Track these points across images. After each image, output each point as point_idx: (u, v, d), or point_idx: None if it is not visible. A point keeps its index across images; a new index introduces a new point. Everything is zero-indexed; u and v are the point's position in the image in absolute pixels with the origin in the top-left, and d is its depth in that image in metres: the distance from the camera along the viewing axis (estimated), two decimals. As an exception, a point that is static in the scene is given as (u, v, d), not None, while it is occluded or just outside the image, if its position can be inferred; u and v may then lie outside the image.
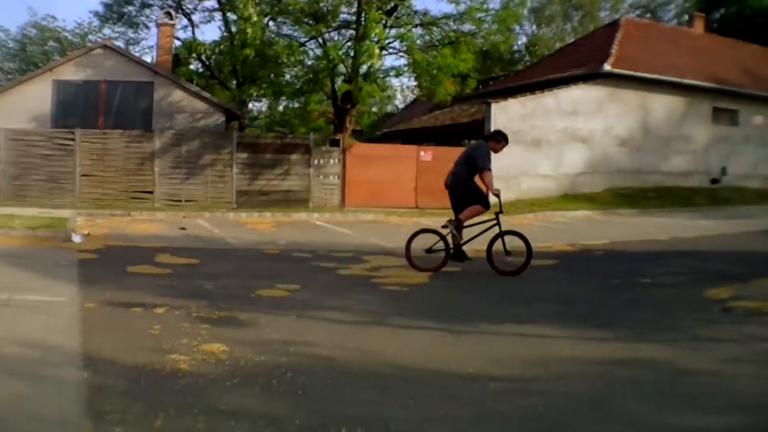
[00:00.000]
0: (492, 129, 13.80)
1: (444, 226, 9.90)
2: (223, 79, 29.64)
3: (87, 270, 9.21)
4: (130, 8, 30.66)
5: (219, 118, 23.87)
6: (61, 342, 5.42)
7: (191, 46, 25.67)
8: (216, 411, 4.18)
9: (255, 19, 20.05)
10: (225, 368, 4.98)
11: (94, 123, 22.70)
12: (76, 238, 12.16)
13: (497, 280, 9.24)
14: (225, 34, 26.10)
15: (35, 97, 23.25)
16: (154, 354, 5.20)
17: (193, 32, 30.46)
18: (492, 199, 9.79)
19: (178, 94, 23.86)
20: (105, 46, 24.41)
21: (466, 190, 9.85)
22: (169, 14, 26.23)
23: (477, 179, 9.98)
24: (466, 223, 9.83)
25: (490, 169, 9.72)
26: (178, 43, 27.62)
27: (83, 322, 6.13)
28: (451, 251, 9.84)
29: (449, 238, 9.80)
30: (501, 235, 9.84)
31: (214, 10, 28.19)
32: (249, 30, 20.07)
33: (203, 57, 27.24)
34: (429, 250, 9.88)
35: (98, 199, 21.02)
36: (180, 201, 21.51)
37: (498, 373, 5.14)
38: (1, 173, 20.65)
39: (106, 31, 33.02)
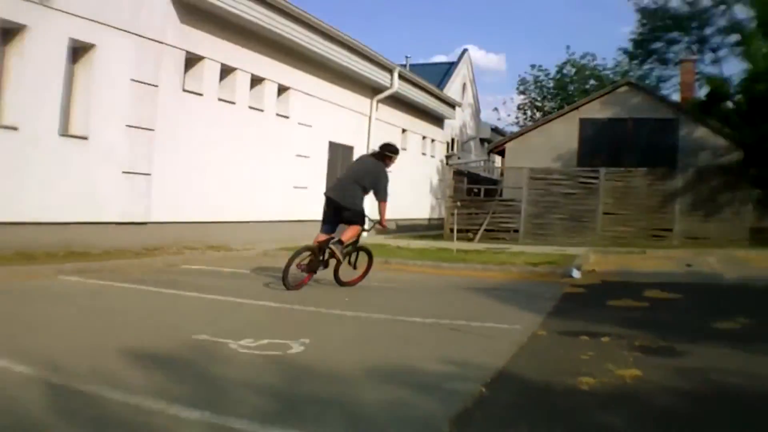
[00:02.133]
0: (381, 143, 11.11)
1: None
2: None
3: (565, 303, 9.43)
4: (658, 44, 30.60)
5: (738, 155, 22.88)
6: (483, 362, 5.55)
7: (716, 84, 24.95)
8: (579, 427, 4.11)
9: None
10: (620, 391, 4.85)
11: (617, 161, 23.04)
12: (575, 274, 12.40)
13: None
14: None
15: (561, 136, 24.70)
16: (566, 375, 5.17)
17: (720, 67, 29.50)
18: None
19: (701, 131, 23.43)
20: (629, 84, 25.21)
21: (356, 213, 9.83)
22: (690, 50, 26.24)
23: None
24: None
25: (386, 201, 9.99)
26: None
27: (521, 347, 6.26)
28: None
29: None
30: (356, 250, 10.32)
31: (736, 44, 27.21)
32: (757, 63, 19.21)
33: (726, 92, 26.47)
34: None
35: (617, 237, 21.39)
36: (697, 238, 20.99)
37: None
38: (523, 212, 21.81)
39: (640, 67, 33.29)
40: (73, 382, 4.51)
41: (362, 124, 23.91)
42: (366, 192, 9.96)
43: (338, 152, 22.16)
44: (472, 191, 28.94)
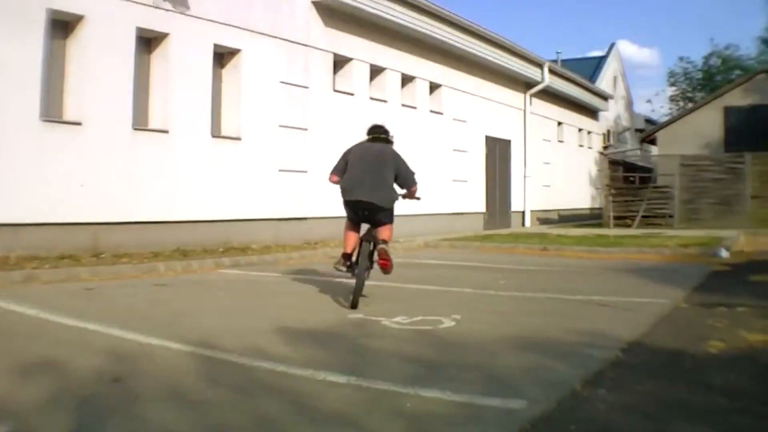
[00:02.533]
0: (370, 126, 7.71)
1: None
2: None
3: (710, 280, 8.93)
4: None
5: None
6: (624, 331, 5.29)
7: None
8: (701, 384, 3.89)
9: None
10: (747, 353, 4.63)
11: (762, 146, 20.74)
12: (723, 254, 11.69)
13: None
14: None
15: (707, 124, 23.21)
16: (698, 341, 4.96)
17: None
18: None
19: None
20: (765, 71, 23.64)
21: (392, 210, 7.03)
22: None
23: None
24: None
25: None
26: None
27: (661, 318, 6.00)
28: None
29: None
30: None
31: None
32: None
33: None
34: None
35: (766, 220, 18.94)
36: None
37: None
38: (676, 198, 20.01)
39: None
40: (226, 356, 4.41)
41: (517, 118, 21.87)
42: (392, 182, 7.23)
43: (495, 146, 20.28)
44: (628, 179, 26.59)
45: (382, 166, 6.94)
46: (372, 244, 6.78)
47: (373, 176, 6.85)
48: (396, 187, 6.99)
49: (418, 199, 7.24)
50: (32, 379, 3.76)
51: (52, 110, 9.53)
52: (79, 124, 9.68)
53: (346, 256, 6.79)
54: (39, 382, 3.70)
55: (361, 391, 3.65)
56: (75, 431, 3.01)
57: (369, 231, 6.89)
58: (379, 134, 7.25)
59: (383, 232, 6.91)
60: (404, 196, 7.13)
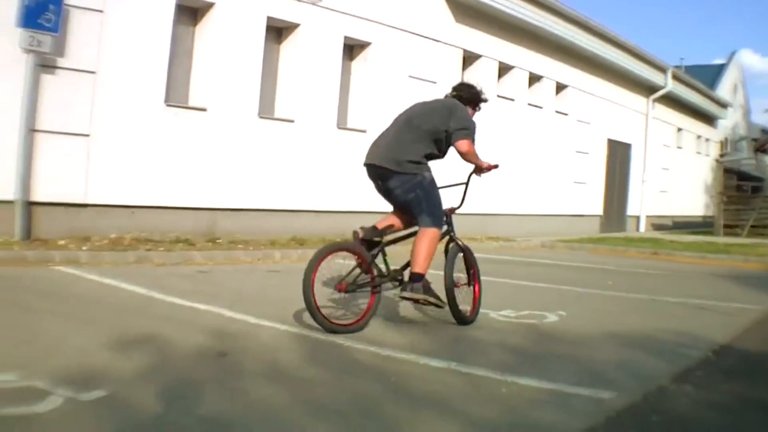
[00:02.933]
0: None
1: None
2: None
3: None
4: None
5: None
6: (719, 333, 4.88)
7: None
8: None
9: None
10: None
11: None
12: None
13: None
14: None
15: None
16: None
17: None
18: None
19: None
20: None
21: None
22: None
23: None
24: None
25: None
26: None
27: (757, 323, 5.65)
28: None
29: None
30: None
31: None
32: None
33: None
34: None
35: None
36: None
37: None
38: None
39: None
40: (332, 338, 4.01)
41: (639, 122, 19.44)
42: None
43: (616, 149, 18.04)
44: (741, 188, 23.70)
45: (419, 119, 4.51)
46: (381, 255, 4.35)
47: (398, 131, 4.50)
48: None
49: (485, 169, 4.68)
50: (137, 352, 3.45)
51: (177, 96, 8.45)
52: (203, 110, 8.55)
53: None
54: (144, 353, 3.42)
55: (460, 376, 3.45)
56: (175, 400, 2.76)
57: (373, 228, 4.38)
58: (452, 93, 4.87)
59: (414, 247, 4.34)
60: (474, 172, 4.80)
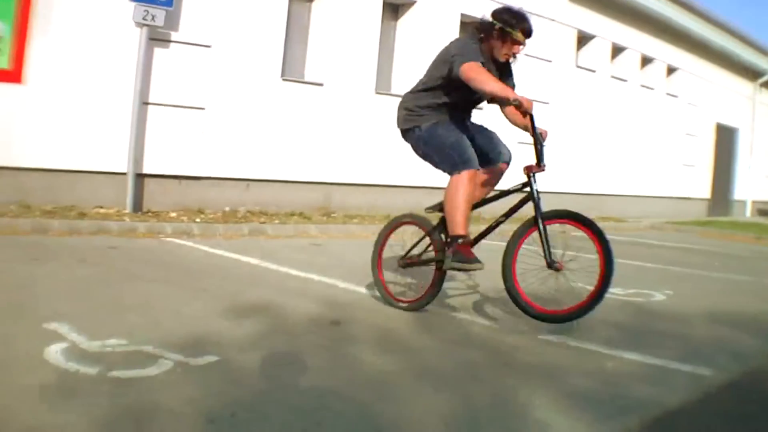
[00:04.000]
0: None
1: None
2: None
3: None
4: None
5: None
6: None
7: None
8: None
9: None
10: None
11: None
12: None
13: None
14: None
15: None
16: None
17: None
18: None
19: None
20: None
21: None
22: None
23: None
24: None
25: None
26: None
27: None
28: None
29: None
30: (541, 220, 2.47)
31: None
32: None
33: None
34: None
35: None
36: None
37: None
38: None
39: None
40: (445, 311, 3.14)
41: (746, 107, 15.29)
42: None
43: (723, 134, 14.20)
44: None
45: (428, 69, 2.90)
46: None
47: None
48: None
49: (513, 102, 2.57)
50: (250, 319, 2.63)
51: (293, 71, 6.46)
52: (320, 85, 6.50)
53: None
54: (256, 322, 2.61)
55: (568, 350, 2.62)
56: (287, 365, 2.14)
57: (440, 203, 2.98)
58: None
59: (444, 208, 2.88)
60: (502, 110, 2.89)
